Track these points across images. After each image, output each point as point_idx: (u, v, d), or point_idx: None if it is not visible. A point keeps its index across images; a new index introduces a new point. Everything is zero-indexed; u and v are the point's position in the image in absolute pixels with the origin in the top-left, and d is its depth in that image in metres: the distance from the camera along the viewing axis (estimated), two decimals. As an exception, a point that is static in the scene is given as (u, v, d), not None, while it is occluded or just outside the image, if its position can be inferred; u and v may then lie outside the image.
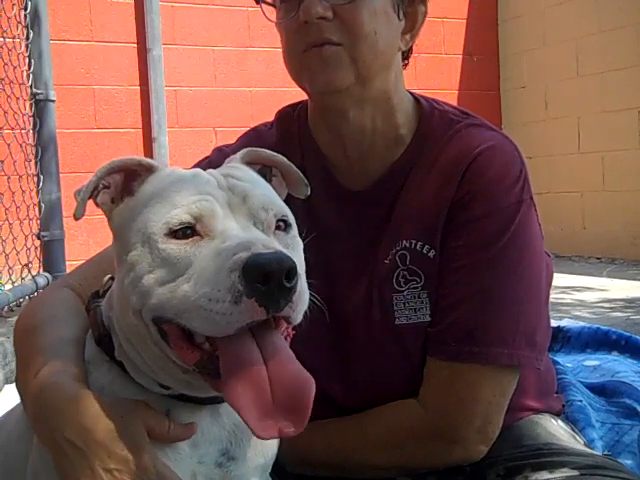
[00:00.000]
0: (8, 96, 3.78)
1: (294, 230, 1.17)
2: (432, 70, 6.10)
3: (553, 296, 4.08)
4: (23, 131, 3.91)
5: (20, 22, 3.83)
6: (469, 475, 1.49)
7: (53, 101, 4.07)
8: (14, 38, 3.83)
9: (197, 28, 6.04)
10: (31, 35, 3.89)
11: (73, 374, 1.18)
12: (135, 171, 1.18)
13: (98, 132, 5.68)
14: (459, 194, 1.45)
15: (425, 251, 1.47)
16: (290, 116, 1.66)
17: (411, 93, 1.60)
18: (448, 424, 1.43)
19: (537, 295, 1.47)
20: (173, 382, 1.14)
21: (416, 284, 1.48)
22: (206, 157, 1.69)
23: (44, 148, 4.01)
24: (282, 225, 1.14)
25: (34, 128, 3.95)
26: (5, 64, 3.73)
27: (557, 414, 1.65)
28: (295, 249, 1.14)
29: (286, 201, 1.55)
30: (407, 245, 1.48)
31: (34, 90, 3.92)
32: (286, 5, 1.47)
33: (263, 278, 0.97)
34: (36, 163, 4.01)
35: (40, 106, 3.98)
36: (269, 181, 1.27)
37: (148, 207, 1.12)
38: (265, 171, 1.27)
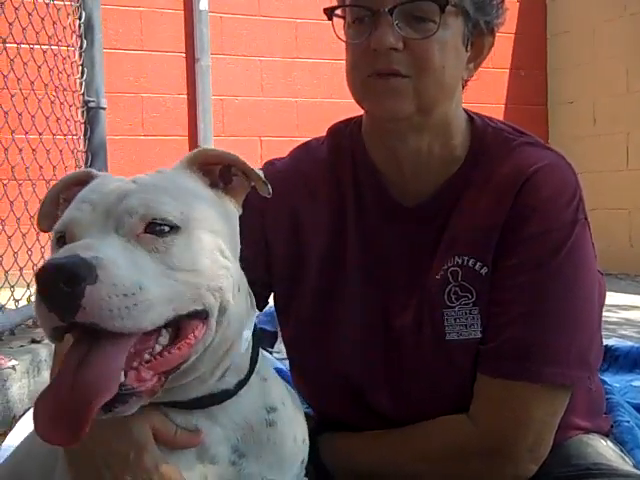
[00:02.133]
0: (62, 103, 3.85)
1: (184, 233, 1.08)
2: (479, 84, 6.02)
3: (600, 314, 4.00)
4: (75, 137, 3.98)
5: (74, 31, 3.91)
6: (515, 492, 1.48)
7: (104, 109, 4.12)
8: (68, 47, 3.90)
9: (245, 38, 6.10)
10: (84, 44, 3.95)
11: None
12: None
13: (145, 139, 5.76)
14: (513, 212, 1.45)
15: (477, 268, 1.47)
16: (342, 132, 1.66)
17: (465, 111, 1.61)
18: (500, 442, 1.42)
19: (591, 314, 1.46)
20: None
21: (467, 300, 1.47)
22: None
23: (94, 154, 4.06)
24: (161, 228, 1.06)
25: (85, 135, 4.01)
26: (59, 72, 3.80)
27: (606, 434, 1.64)
28: (173, 253, 1.05)
29: (341, 217, 1.56)
30: (459, 262, 1.48)
31: (86, 98, 3.99)
32: (358, 26, 1.46)
33: (43, 284, 0.96)
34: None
35: (91, 113, 4.03)
36: (229, 181, 1.24)
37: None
38: (226, 171, 1.24)
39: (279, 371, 2.49)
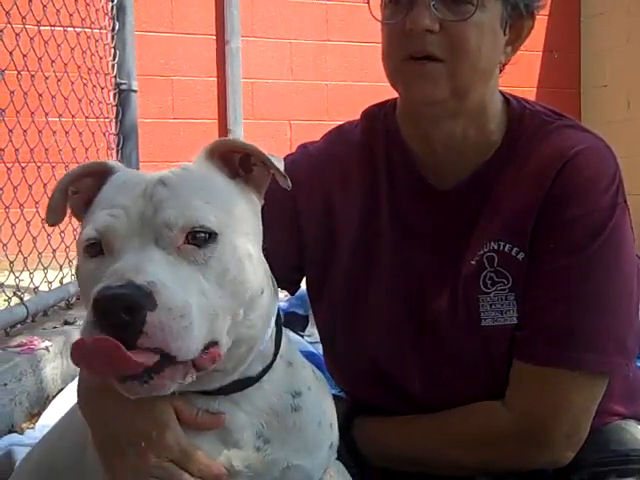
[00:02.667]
0: (94, 86, 3.87)
1: (221, 239, 1.08)
2: (511, 66, 5.98)
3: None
4: (107, 120, 4.00)
5: (107, 13, 3.92)
6: (552, 478, 1.48)
7: (135, 91, 4.14)
8: (101, 29, 3.91)
9: (275, 21, 6.07)
10: (116, 26, 3.96)
11: None
12: (104, 174, 1.19)
13: (175, 122, 5.76)
14: (551, 195, 1.43)
15: (514, 253, 1.46)
16: (376, 115, 1.65)
17: (502, 93, 1.58)
18: (538, 428, 1.41)
19: (629, 300, 1.45)
20: None
21: (503, 286, 1.46)
22: (290, 154, 1.69)
23: (126, 137, 4.09)
24: (200, 237, 1.07)
25: (117, 117, 4.03)
26: (92, 55, 3.82)
27: (643, 420, 1.62)
28: (211, 265, 1.07)
29: (374, 199, 1.55)
30: (495, 247, 1.47)
31: (118, 80, 4.00)
32: (394, 6, 1.45)
33: (104, 312, 0.97)
34: (118, 152, 4.09)
35: (123, 96, 4.05)
36: (249, 170, 1.22)
37: (88, 216, 1.14)
38: (246, 160, 1.22)
39: (311, 355, 2.51)
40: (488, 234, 1.48)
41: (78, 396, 1.26)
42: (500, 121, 1.54)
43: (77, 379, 1.30)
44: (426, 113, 1.50)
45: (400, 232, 1.56)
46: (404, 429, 1.53)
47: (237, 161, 1.22)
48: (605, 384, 1.44)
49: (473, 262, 1.49)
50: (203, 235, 1.07)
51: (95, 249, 1.08)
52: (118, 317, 0.96)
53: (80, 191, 1.21)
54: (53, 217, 1.22)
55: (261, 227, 1.23)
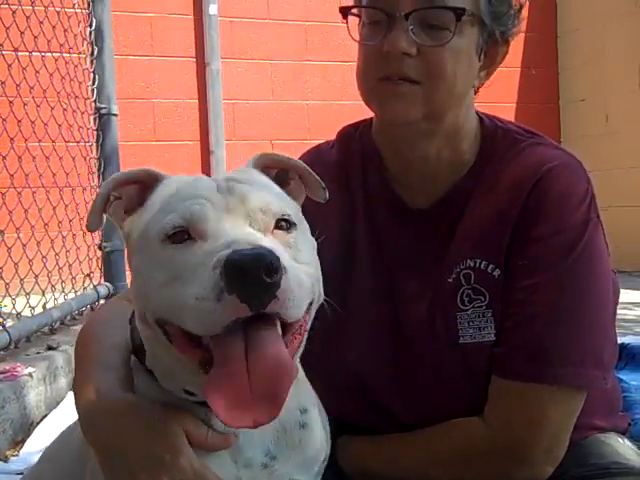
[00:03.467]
0: (74, 110, 3.87)
1: (299, 229, 1.15)
2: (491, 83, 6.04)
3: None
4: (87, 144, 4.00)
5: (85, 38, 3.93)
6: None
7: (116, 115, 4.15)
8: (80, 54, 3.92)
9: (255, 42, 6.11)
10: (95, 51, 3.97)
11: (119, 380, 1.21)
12: (149, 182, 1.20)
13: (157, 144, 5.77)
14: (525, 212, 1.44)
15: (490, 270, 1.47)
16: (351, 135, 1.66)
17: (476, 112, 1.60)
18: (516, 444, 1.42)
19: (605, 313, 1.46)
20: (192, 386, 1.15)
21: (480, 303, 1.47)
22: None
23: (107, 161, 4.09)
24: (284, 225, 1.12)
25: (97, 142, 4.03)
26: (71, 79, 3.82)
27: (623, 433, 1.63)
28: (299, 248, 1.12)
29: (350, 218, 1.56)
30: (471, 264, 1.48)
31: (98, 105, 4.01)
32: (373, 27, 1.46)
33: (242, 274, 0.96)
34: (99, 176, 4.10)
35: (103, 120, 4.06)
36: (286, 184, 1.26)
37: (149, 214, 1.14)
38: (282, 175, 1.26)
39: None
40: (464, 252, 1.49)
41: (81, 422, 1.23)
42: (473, 140, 1.55)
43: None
44: (400, 133, 1.52)
45: (377, 251, 1.57)
46: (385, 448, 1.54)
47: (273, 175, 1.25)
48: (583, 398, 1.44)
49: (450, 280, 1.50)
50: (286, 224, 1.12)
51: (179, 237, 1.08)
52: (259, 279, 0.96)
53: (122, 197, 1.21)
54: (94, 222, 1.20)
55: None
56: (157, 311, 1.08)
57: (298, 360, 1.23)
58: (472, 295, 1.47)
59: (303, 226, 1.18)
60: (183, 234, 1.08)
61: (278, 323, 1.04)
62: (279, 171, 1.26)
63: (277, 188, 1.22)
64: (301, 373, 1.32)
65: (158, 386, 1.19)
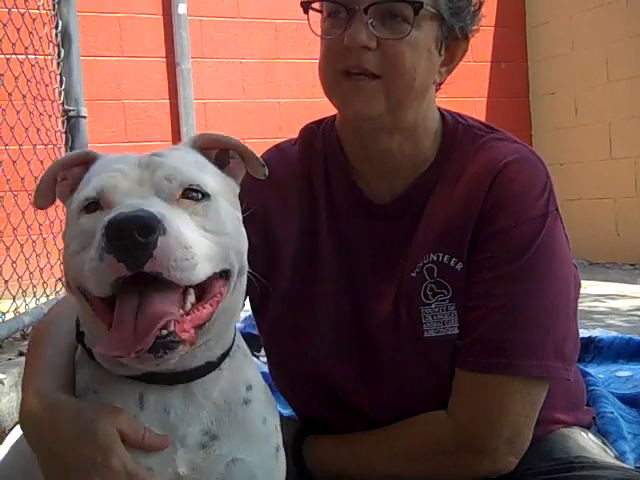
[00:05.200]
0: (40, 114, 3.82)
1: (214, 200, 1.17)
2: (461, 78, 6.06)
3: (586, 304, 4.00)
4: (56, 147, 3.96)
5: (51, 41, 3.89)
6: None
7: (84, 117, 4.10)
8: (46, 56, 3.88)
9: (225, 41, 6.09)
10: (62, 53, 3.93)
11: (58, 381, 1.23)
12: (89, 162, 1.25)
13: (129, 145, 5.73)
14: (485, 207, 1.46)
15: (452, 264, 1.48)
16: (314, 132, 1.67)
17: (438, 109, 1.61)
18: (477, 435, 1.43)
19: (565, 306, 1.47)
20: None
21: (444, 297, 1.48)
22: None
23: (76, 164, 4.05)
24: (195, 195, 1.15)
25: (66, 144, 3.99)
26: (37, 82, 3.78)
27: (587, 427, 1.64)
28: (208, 217, 1.15)
29: (313, 214, 1.56)
30: (434, 258, 1.49)
31: (66, 107, 3.96)
32: (333, 21, 1.47)
33: (118, 235, 1.01)
34: (69, 179, 4.05)
35: (72, 123, 4.01)
36: (226, 164, 1.29)
37: (78, 190, 1.21)
38: (222, 156, 1.29)
39: (266, 375, 2.50)
40: (426, 246, 1.50)
41: (21, 422, 1.24)
42: (435, 137, 1.57)
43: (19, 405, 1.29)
44: (361, 128, 1.53)
45: (339, 246, 1.58)
46: (350, 446, 1.54)
47: (213, 156, 1.28)
48: (544, 390, 1.46)
49: (413, 274, 1.51)
50: (197, 194, 1.15)
51: (93, 207, 1.14)
52: (132, 239, 1.00)
53: (68, 178, 1.26)
54: (41, 200, 1.28)
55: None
56: (73, 278, 1.14)
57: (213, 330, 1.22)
58: (435, 289, 1.49)
59: (222, 198, 1.20)
60: (96, 205, 1.13)
61: (181, 290, 1.09)
62: (219, 151, 1.29)
63: (202, 163, 1.24)
64: (246, 349, 1.32)
65: (98, 368, 1.21)
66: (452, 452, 1.45)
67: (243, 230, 1.22)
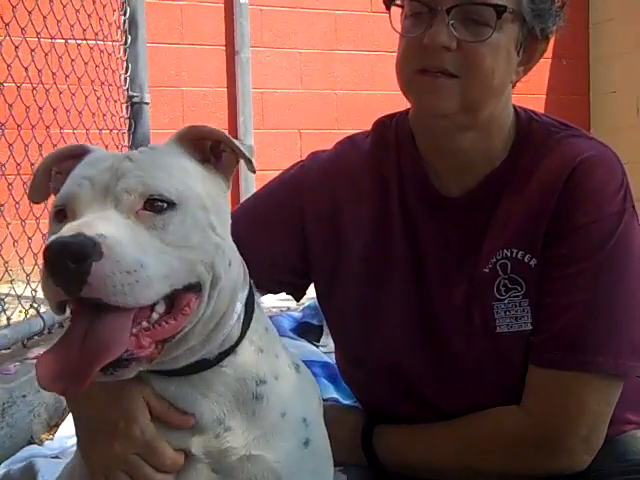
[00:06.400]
0: (107, 99, 3.90)
1: (181, 209, 1.13)
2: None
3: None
4: (120, 132, 4.03)
5: (119, 27, 3.95)
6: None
7: (148, 104, 4.17)
8: (114, 42, 3.95)
9: (284, 31, 6.10)
10: (129, 40, 4.00)
11: None
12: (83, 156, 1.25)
13: (186, 133, 5.79)
14: (561, 203, 1.46)
15: (526, 260, 1.48)
16: (387, 125, 1.68)
17: (512, 105, 1.61)
18: (554, 433, 1.44)
19: None
20: None
21: (517, 292, 1.49)
22: (301, 161, 1.74)
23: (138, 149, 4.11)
24: (159, 204, 1.11)
25: (129, 130, 4.06)
26: (105, 68, 3.85)
27: (657, 428, 1.63)
28: (169, 230, 1.10)
29: (384, 206, 1.57)
30: (508, 254, 1.49)
31: (130, 93, 4.03)
32: (414, 20, 1.48)
33: (53, 259, 1.01)
34: (131, 164, 4.11)
35: (135, 109, 4.08)
36: (219, 157, 1.27)
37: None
38: (215, 148, 1.27)
39: (326, 365, 2.52)
40: (500, 242, 1.51)
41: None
42: (509, 134, 1.57)
43: None
44: (436, 125, 1.53)
45: (411, 240, 1.59)
46: (422, 436, 1.55)
47: (208, 148, 1.26)
48: (619, 387, 1.46)
49: (486, 270, 1.51)
50: (161, 204, 1.11)
51: (61, 215, 1.14)
52: (64, 265, 1.00)
53: (62, 172, 1.26)
54: (35, 195, 1.31)
55: (228, 212, 1.26)
56: None
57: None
58: (509, 285, 1.49)
59: (194, 205, 1.15)
60: (63, 213, 1.15)
61: (135, 309, 1.06)
62: (212, 143, 1.27)
63: (177, 165, 1.20)
64: (275, 347, 1.31)
65: None
66: (528, 447, 1.46)
67: (217, 239, 1.17)
